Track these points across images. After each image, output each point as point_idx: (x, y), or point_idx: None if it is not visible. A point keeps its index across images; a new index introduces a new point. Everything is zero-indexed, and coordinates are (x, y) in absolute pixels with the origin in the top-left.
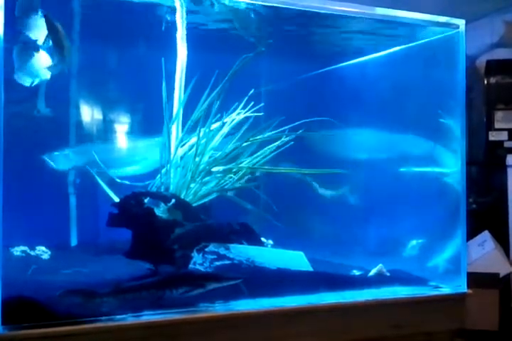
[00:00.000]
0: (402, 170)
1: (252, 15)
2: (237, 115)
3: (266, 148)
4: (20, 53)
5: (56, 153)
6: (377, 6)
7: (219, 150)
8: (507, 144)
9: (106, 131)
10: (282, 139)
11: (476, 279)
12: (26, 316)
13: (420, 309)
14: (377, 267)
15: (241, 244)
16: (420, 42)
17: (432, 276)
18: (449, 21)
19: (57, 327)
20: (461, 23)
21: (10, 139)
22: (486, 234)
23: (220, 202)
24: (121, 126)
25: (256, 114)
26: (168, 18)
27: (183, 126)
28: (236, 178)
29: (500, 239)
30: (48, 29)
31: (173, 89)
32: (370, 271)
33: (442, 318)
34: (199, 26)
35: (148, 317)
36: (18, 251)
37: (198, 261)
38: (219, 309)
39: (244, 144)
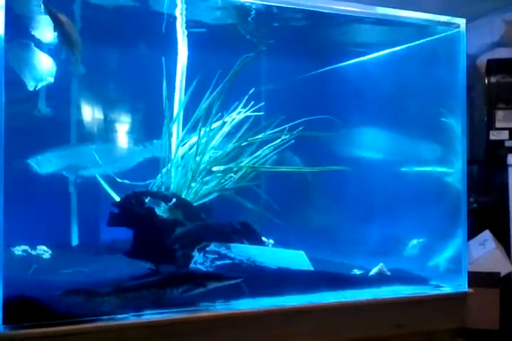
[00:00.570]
0: (402, 169)
1: (253, 14)
2: (237, 114)
3: (268, 146)
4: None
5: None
6: (377, 6)
7: (220, 149)
8: (508, 143)
9: (106, 130)
10: (283, 138)
11: (476, 278)
12: (27, 315)
13: (421, 308)
14: (378, 266)
15: (242, 243)
16: (421, 41)
17: (433, 275)
18: (449, 21)
19: (57, 326)
20: (461, 22)
21: (10, 138)
22: (486, 234)
23: (223, 201)
24: (121, 126)
25: (256, 113)
26: (168, 18)
27: (184, 125)
28: (237, 177)
29: (501, 238)
30: (53, 21)
31: (174, 88)
32: (370, 270)
33: (443, 317)
34: (200, 26)
35: (149, 316)
36: (19, 250)
37: (199, 261)
38: (219, 308)
39: (245, 143)
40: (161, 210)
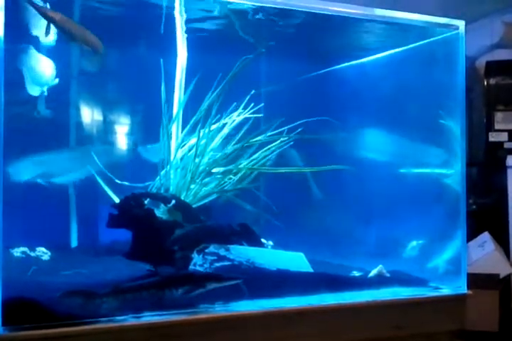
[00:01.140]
0: (402, 171)
1: (253, 16)
2: (237, 116)
3: (268, 147)
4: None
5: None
6: (376, 7)
7: (219, 151)
8: (507, 145)
9: (106, 132)
10: (282, 139)
11: (476, 280)
12: (27, 317)
13: (420, 310)
14: (378, 268)
15: (241, 245)
16: (420, 43)
17: (432, 277)
18: (448, 22)
19: (57, 328)
20: (460, 24)
21: (9, 140)
22: (486, 235)
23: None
24: (120, 128)
25: (256, 115)
26: (167, 19)
27: (183, 127)
28: (236, 179)
29: (501, 240)
30: (44, 17)
31: (173, 90)
32: (370, 271)
33: (442, 319)
34: (199, 27)
35: (149, 318)
36: (18, 252)
37: (198, 262)
38: (219, 310)
39: (245, 145)
40: (161, 212)
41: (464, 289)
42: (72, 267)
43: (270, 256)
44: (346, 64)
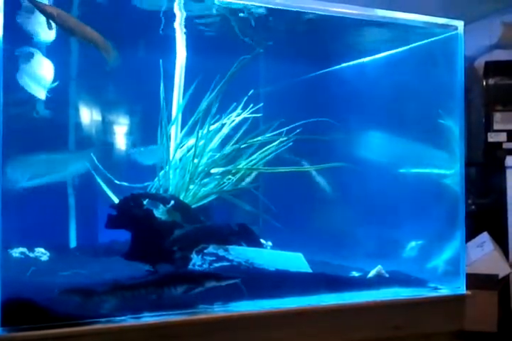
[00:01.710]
0: (400, 171)
1: (250, 17)
2: (236, 116)
3: (267, 148)
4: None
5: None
6: (376, 8)
7: (218, 151)
8: (506, 145)
9: (106, 133)
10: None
11: (475, 280)
12: (25, 318)
13: (419, 310)
14: (376, 268)
15: (240, 245)
16: (419, 43)
17: (431, 278)
18: (447, 23)
19: (56, 328)
20: (459, 24)
21: (8, 140)
22: (485, 236)
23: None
24: (119, 129)
25: (254, 115)
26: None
27: (182, 127)
28: (235, 179)
29: (499, 240)
30: (42, 13)
31: (172, 91)
32: (369, 272)
33: (441, 319)
34: (198, 28)
35: (148, 318)
36: (17, 252)
37: (197, 263)
38: (218, 310)
39: (244, 146)
40: (160, 212)
41: (462, 289)
42: (71, 267)
43: (269, 256)
44: (345, 64)
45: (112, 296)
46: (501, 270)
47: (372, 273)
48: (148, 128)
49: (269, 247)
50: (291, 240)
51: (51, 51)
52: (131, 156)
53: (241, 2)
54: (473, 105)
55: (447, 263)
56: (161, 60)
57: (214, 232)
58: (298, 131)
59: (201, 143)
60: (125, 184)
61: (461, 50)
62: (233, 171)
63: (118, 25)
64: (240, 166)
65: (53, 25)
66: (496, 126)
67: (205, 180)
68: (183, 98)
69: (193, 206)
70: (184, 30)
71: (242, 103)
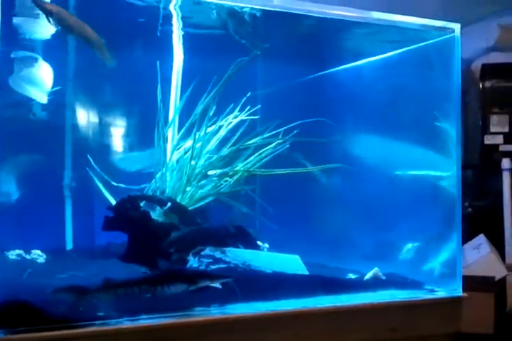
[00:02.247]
0: (397, 173)
1: (248, 19)
2: (233, 118)
3: (264, 150)
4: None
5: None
6: (373, 10)
7: (215, 153)
8: (502, 148)
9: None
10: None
11: (471, 283)
12: (22, 320)
13: (416, 312)
14: (373, 271)
15: (237, 247)
16: (416, 46)
17: (428, 280)
18: (444, 25)
19: (53, 331)
20: (456, 27)
21: (5, 142)
22: (481, 238)
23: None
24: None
25: (252, 117)
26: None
27: (179, 129)
28: (232, 181)
29: (496, 242)
30: (41, 10)
31: (169, 93)
32: (365, 274)
33: (438, 322)
34: (196, 30)
35: (144, 321)
36: (13, 254)
37: (194, 265)
38: (214, 313)
39: (241, 147)
40: (156, 214)
41: (459, 291)
42: (68, 270)
43: (266, 258)
44: (341, 67)
45: (105, 294)
46: (498, 272)
47: (369, 276)
48: (145, 130)
49: (266, 249)
50: (288, 242)
51: (47, 52)
52: (127, 158)
53: (239, 4)
54: (470, 108)
55: (444, 266)
56: (158, 62)
57: (211, 234)
58: (295, 132)
59: (198, 145)
60: (122, 185)
61: (457, 53)
62: (230, 173)
63: (114, 27)
64: (237, 168)
65: (52, 22)
66: (492, 129)
67: (202, 182)
68: (180, 100)
69: (190, 208)
70: (181, 32)
71: (240, 105)
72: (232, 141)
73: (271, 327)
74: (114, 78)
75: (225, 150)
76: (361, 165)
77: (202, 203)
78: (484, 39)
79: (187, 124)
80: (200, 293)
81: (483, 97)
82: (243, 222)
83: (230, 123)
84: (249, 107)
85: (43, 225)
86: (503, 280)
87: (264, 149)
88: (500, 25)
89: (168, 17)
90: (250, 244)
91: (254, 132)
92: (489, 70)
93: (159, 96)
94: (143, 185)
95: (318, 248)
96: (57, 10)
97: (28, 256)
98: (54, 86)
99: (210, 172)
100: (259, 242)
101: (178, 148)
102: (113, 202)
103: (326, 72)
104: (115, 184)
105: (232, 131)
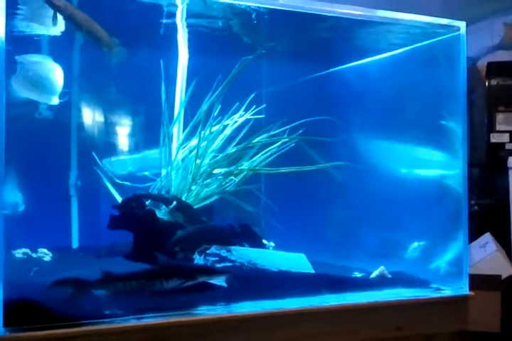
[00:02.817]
0: (403, 172)
1: (253, 18)
2: (239, 117)
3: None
4: None
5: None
6: (377, 8)
7: (220, 152)
8: (508, 146)
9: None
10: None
11: (477, 281)
12: (28, 318)
13: (422, 311)
14: (379, 269)
15: (242, 246)
16: (421, 44)
17: (434, 278)
18: (449, 23)
19: (59, 329)
20: (461, 25)
21: (11, 141)
22: (487, 236)
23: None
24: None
25: (258, 117)
26: (169, 20)
27: (184, 128)
28: (237, 180)
29: (502, 241)
30: (50, 6)
31: (174, 91)
32: (371, 272)
33: (444, 320)
34: (201, 28)
35: (150, 319)
36: (19, 253)
37: (200, 263)
38: (220, 311)
39: (247, 146)
40: (162, 213)
41: (465, 290)
42: (74, 268)
43: (271, 257)
44: (346, 65)
45: (104, 287)
46: (504, 270)
47: (375, 274)
48: (151, 128)
49: (271, 248)
50: (294, 241)
51: (53, 51)
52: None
53: (244, 3)
54: (476, 106)
55: (450, 264)
56: (161, 61)
57: (216, 233)
58: (301, 131)
59: (203, 144)
60: (127, 184)
61: (463, 51)
62: (235, 172)
63: (119, 24)
64: (242, 167)
65: (60, 18)
66: (498, 127)
67: (208, 181)
68: (185, 99)
69: (195, 207)
70: (186, 30)
71: (245, 104)
72: (237, 140)
73: (276, 326)
74: (118, 77)
75: (231, 149)
76: (368, 163)
77: (207, 202)
78: (490, 37)
79: (192, 123)
80: (206, 291)
81: (489, 95)
82: (249, 221)
83: (236, 122)
84: (254, 106)
85: (50, 224)
86: (510, 278)
87: (270, 148)
88: (506, 24)
89: (172, 15)
90: (256, 242)
91: (259, 131)
92: (495, 68)
93: (163, 96)
94: (148, 184)
95: (324, 246)
96: (66, 6)
97: (34, 255)
98: (62, 86)
99: (215, 171)
100: (264, 241)
101: (184, 147)
102: (119, 200)
103: (331, 70)
104: (122, 182)
105: (238, 130)
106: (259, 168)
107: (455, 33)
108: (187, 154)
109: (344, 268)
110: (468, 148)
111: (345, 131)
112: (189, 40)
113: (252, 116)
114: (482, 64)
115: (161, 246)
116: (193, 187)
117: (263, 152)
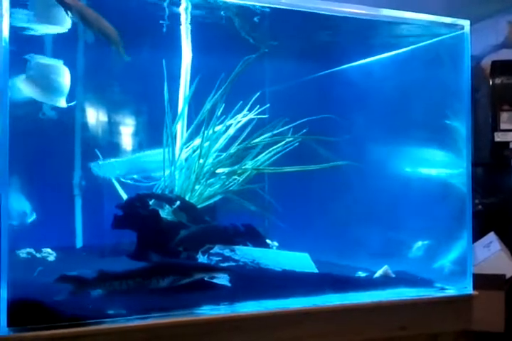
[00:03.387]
0: (407, 171)
1: (256, 16)
2: (243, 117)
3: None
4: None
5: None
6: (380, 7)
7: (224, 152)
8: None
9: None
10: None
11: (481, 281)
12: (32, 318)
13: (426, 310)
14: (383, 268)
15: (246, 245)
16: (425, 43)
17: (438, 278)
18: (453, 22)
19: (64, 328)
20: (465, 23)
21: (15, 141)
22: (492, 236)
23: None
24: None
25: (261, 116)
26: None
27: (188, 127)
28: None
29: (507, 240)
30: (61, 4)
31: (177, 91)
32: (375, 272)
33: (448, 320)
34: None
35: (154, 319)
36: (23, 253)
37: (196, 261)
38: (224, 311)
39: (249, 145)
40: (165, 213)
41: (469, 290)
42: (78, 268)
43: (275, 256)
44: (350, 64)
45: (100, 285)
46: (508, 270)
47: (378, 274)
48: (154, 128)
49: (275, 247)
50: (298, 240)
51: (56, 50)
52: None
53: (246, 2)
54: (480, 105)
55: (454, 263)
56: (163, 60)
57: (220, 232)
58: (305, 130)
59: (206, 144)
60: (130, 182)
61: (467, 50)
62: (239, 171)
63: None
64: (246, 166)
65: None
66: (502, 126)
67: (211, 180)
68: (189, 98)
69: (199, 206)
70: (189, 29)
71: (250, 104)
72: (241, 139)
73: (280, 326)
74: (124, 76)
75: (234, 149)
76: (371, 162)
77: (210, 201)
78: (494, 36)
79: (195, 122)
80: (209, 291)
81: (493, 94)
82: (253, 220)
83: (239, 121)
84: (258, 106)
85: (54, 224)
86: None
87: (274, 147)
88: (510, 22)
89: (175, 14)
90: (259, 242)
91: (261, 130)
92: (499, 67)
93: (166, 96)
94: (152, 183)
95: (328, 246)
96: (76, 3)
97: (38, 255)
98: (68, 86)
99: (218, 171)
100: (268, 240)
101: (187, 147)
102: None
103: (333, 70)
104: (123, 180)
105: (241, 129)
106: (263, 168)
107: (459, 32)
108: (190, 153)
109: (348, 267)
110: (472, 147)
111: (348, 130)
112: (192, 38)
113: (255, 116)
114: (486, 63)
115: (164, 245)
116: (197, 187)
117: (267, 151)
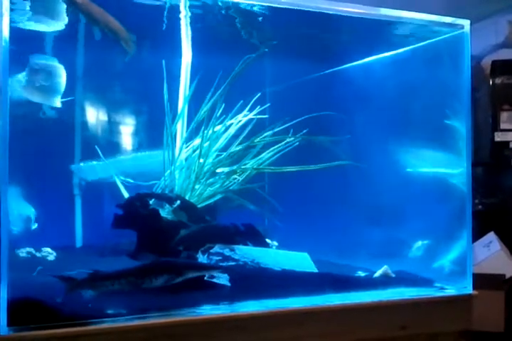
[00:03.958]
0: (407, 171)
1: (256, 16)
2: (243, 117)
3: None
4: None
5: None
6: (381, 7)
7: (224, 151)
8: None
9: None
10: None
11: (481, 280)
12: (32, 317)
13: (425, 310)
14: (383, 268)
15: (246, 245)
16: (425, 42)
17: (438, 277)
18: (453, 22)
19: (64, 328)
20: (465, 23)
21: (15, 141)
22: (491, 235)
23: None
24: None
25: (261, 116)
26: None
27: (188, 127)
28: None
29: (506, 240)
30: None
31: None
32: (375, 272)
33: (448, 319)
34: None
35: (153, 319)
36: (23, 252)
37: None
38: (224, 310)
39: (250, 145)
40: (166, 212)
41: (469, 289)
42: (77, 267)
43: (275, 256)
44: (350, 64)
45: (92, 284)
46: (508, 270)
47: (378, 273)
48: (154, 128)
49: (274, 247)
50: (297, 240)
51: (57, 51)
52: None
53: (247, 2)
54: (480, 104)
55: (454, 263)
56: (163, 61)
57: (220, 232)
58: (305, 131)
59: (206, 144)
60: (130, 181)
61: (467, 49)
62: (239, 171)
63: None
64: (246, 166)
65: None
66: (502, 126)
67: (211, 180)
68: (189, 98)
69: (199, 206)
70: (189, 28)
71: (250, 104)
72: (241, 139)
73: (280, 325)
74: (124, 75)
75: (234, 148)
76: (372, 162)
77: (210, 201)
78: (494, 36)
79: (194, 122)
80: (210, 291)
81: (493, 94)
82: (253, 220)
83: (240, 121)
84: (259, 106)
85: (54, 223)
86: None
87: (274, 147)
88: (510, 22)
89: (175, 13)
90: (259, 241)
91: (263, 130)
92: (499, 67)
93: (166, 96)
94: (152, 182)
95: (328, 246)
96: (83, 0)
97: (38, 254)
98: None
99: (218, 170)
100: (268, 240)
101: (187, 146)
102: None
103: (334, 69)
104: (122, 178)
105: (241, 129)
106: (263, 167)
107: (459, 32)
108: (190, 153)
109: (348, 267)
110: (472, 146)
111: (348, 130)
112: (192, 38)
113: (255, 116)
114: (486, 62)
115: (164, 245)
116: (197, 186)
117: (267, 151)
